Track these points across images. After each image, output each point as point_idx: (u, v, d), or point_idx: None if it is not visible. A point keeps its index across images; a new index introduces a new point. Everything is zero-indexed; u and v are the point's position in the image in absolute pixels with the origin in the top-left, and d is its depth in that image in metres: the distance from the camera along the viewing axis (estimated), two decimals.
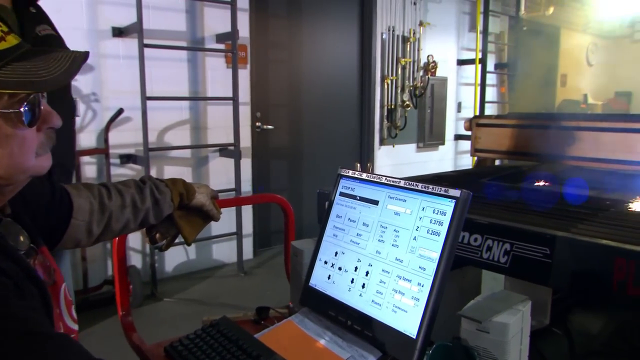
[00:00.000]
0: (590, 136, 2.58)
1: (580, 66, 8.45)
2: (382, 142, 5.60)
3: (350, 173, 1.44)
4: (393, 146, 5.68)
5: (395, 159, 5.77)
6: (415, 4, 5.68)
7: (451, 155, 6.53)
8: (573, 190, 2.34)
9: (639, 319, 1.64)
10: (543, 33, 7.36)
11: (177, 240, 1.45)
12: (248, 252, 4.68)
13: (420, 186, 1.21)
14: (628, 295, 1.44)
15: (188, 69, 4.20)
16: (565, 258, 1.58)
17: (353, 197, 1.39)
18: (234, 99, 4.07)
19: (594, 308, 1.84)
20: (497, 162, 3.38)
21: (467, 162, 6.49)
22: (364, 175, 1.39)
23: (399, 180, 1.29)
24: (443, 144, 6.24)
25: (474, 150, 3.14)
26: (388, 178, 1.32)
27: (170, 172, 4.16)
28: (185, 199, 1.37)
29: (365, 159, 5.57)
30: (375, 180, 1.35)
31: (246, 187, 4.56)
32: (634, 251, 1.44)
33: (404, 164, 5.86)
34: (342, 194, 1.44)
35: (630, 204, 1.93)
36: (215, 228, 4.39)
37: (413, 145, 5.98)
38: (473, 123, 3.15)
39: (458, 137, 6.49)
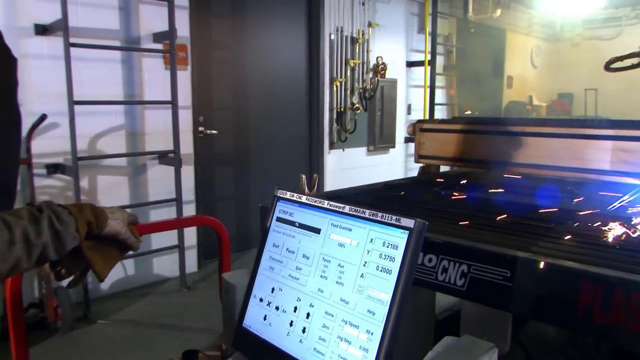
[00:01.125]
0: (536, 142, 2.49)
1: (525, 68, 8.60)
2: (331, 146, 5.44)
3: (288, 195, 1.25)
4: (343, 150, 5.53)
5: (345, 163, 5.63)
6: (363, 4, 5.56)
7: (402, 159, 6.46)
8: (528, 200, 2.24)
9: None
10: (490, 35, 7.42)
11: None
12: (192, 264, 4.42)
13: (367, 213, 1.04)
14: (594, 323, 1.32)
15: (122, 71, 3.89)
16: (527, 281, 1.45)
17: (292, 223, 1.21)
18: (173, 103, 3.80)
19: None
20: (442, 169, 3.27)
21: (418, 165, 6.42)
22: (304, 199, 1.21)
23: (343, 205, 1.11)
24: (394, 146, 6.16)
25: (418, 157, 3.00)
26: (331, 203, 1.13)
27: (104, 182, 3.85)
28: (94, 228, 1.14)
29: (315, 164, 5.40)
30: (316, 204, 1.16)
31: (188, 196, 4.30)
32: (600, 274, 1.32)
33: (354, 168, 5.73)
34: (279, 220, 1.25)
35: (592, 217, 1.83)
36: (155, 241, 4.11)
37: (363, 149, 5.86)
38: (416, 128, 3.00)
39: (408, 140, 6.42)
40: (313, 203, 1.18)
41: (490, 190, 2.57)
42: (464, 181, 2.75)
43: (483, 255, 1.55)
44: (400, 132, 6.29)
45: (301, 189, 2.30)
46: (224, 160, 4.73)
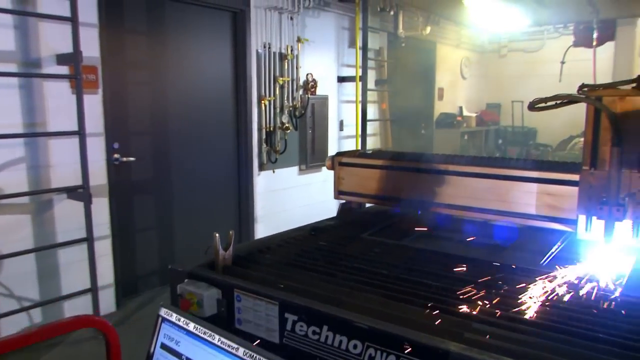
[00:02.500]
0: (461, 182, 2.37)
1: (455, 80, 8.72)
2: (261, 168, 5.21)
3: (175, 317, 1.02)
4: (273, 172, 5.31)
5: (276, 184, 5.42)
6: (292, 18, 5.36)
7: None
8: (463, 250, 2.11)
9: None
10: (421, 48, 7.44)
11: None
12: (109, 305, 4.05)
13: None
14: None
15: (21, 97, 3.49)
16: None
17: (178, 355, 0.98)
18: (80, 133, 3.44)
19: None
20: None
21: None
22: (192, 326, 0.98)
23: (236, 346, 0.89)
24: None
25: (338, 193, 2.81)
26: (223, 340, 0.92)
27: (2, 222, 3.43)
28: None
29: (244, 186, 5.14)
30: (206, 337, 0.94)
31: (102, 231, 3.93)
32: None
33: (286, 188, 5.53)
34: (163, 347, 1.02)
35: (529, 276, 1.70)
36: (65, 284, 3.74)
37: (295, 169, 5.66)
38: (335, 162, 2.79)
39: None
40: (202, 335, 0.95)
41: (418, 236, 2.44)
42: (392, 222, 2.62)
43: (412, 345, 1.39)
44: (333, 148, 6.15)
45: (215, 249, 2.07)
46: (143, 189, 4.39)
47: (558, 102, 1.98)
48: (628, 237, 1.81)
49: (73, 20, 3.36)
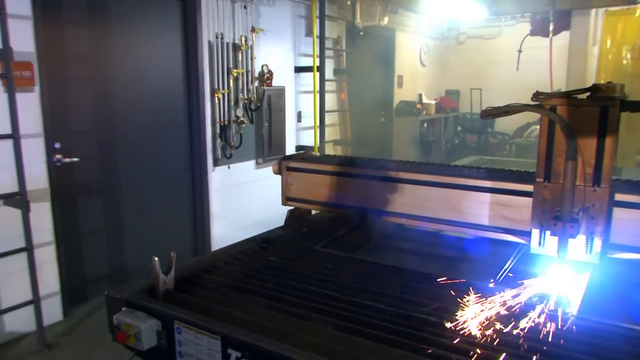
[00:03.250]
0: (412, 190, 2.29)
1: (415, 67, 8.68)
2: (216, 163, 5.03)
3: None
4: (228, 167, 5.14)
5: (232, 179, 5.26)
6: (245, 7, 5.15)
7: None
8: (414, 265, 2.03)
9: None
10: (380, 36, 7.33)
11: None
12: (55, 314, 3.85)
13: None
14: None
15: None
16: None
17: None
18: (14, 137, 3.20)
19: None
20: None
21: None
22: None
23: None
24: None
25: (286, 199, 2.70)
26: None
27: None
28: None
29: (198, 183, 4.97)
30: None
31: (45, 237, 3.72)
32: None
33: (243, 183, 5.38)
34: None
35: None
36: (5, 296, 3.52)
37: (251, 163, 5.51)
38: (282, 166, 2.67)
39: (300, 149, 6.18)
40: None
41: (372, 248, 2.36)
42: (345, 232, 2.52)
43: None
44: (291, 141, 6.03)
45: (155, 274, 1.93)
46: (89, 191, 4.16)
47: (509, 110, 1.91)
48: (582, 253, 1.77)
49: (1, 13, 3.10)
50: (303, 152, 2.82)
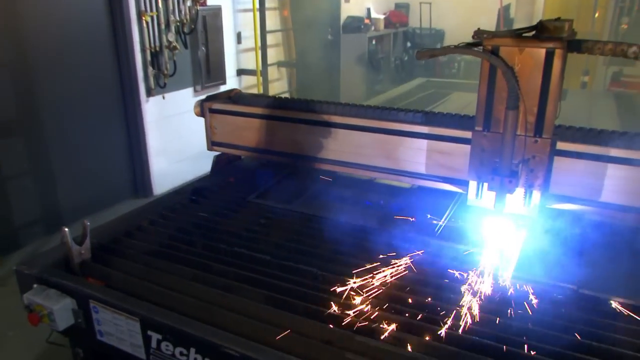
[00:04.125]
0: (346, 135, 2.13)
1: None
2: (149, 94, 4.67)
3: None
4: (163, 97, 4.80)
5: (170, 109, 4.93)
6: None
7: None
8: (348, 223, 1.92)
9: None
10: None
11: None
12: None
13: None
14: None
15: None
16: None
17: None
18: None
19: None
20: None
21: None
22: None
23: None
24: (224, 83, 5.52)
25: (211, 144, 2.48)
26: None
27: None
28: None
29: (132, 116, 4.64)
30: None
31: None
32: None
33: (181, 113, 5.05)
34: None
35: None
36: None
37: (189, 91, 5.17)
38: (205, 108, 2.41)
39: (241, 72, 5.84)
40: None
41: (308, 198, 2.24)
42: (276, 180, 2.37)
43: None
44: (231, 65, 5.66)
45: (67, 247, 1.75)
46: (6, 132, 3.79)
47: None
48: (520, 207, 1.71)
49: None
50: (229, 90, 2.55)
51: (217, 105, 2.39)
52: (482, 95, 1.70)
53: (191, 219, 2.04)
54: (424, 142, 1.97)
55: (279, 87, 6.66)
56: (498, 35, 1.66)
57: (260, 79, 5.78)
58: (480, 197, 1.75)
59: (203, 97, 4.96)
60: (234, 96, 2.49)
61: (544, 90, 1.60)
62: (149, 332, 1.45)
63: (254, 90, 5.74)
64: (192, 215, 2.08)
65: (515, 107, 1.60)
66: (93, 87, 4.34)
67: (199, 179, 2.46)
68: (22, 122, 3.88)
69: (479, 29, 1.72)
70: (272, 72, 6.12)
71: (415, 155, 1.99)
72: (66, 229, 1.71)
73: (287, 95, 6.69)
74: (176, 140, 5.05)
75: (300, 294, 1.51)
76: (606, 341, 1.30)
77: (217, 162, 2.53)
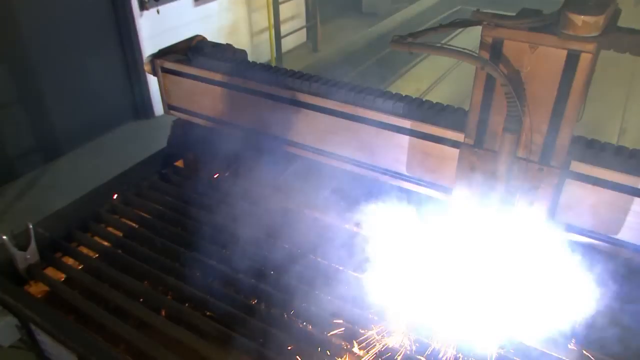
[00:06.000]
0: (315, 117, 1.78)
1: None
2: (142, 7, 4.28)
3: None
4: (158, 12, 4.40)
5: (165, 24, 4.54)
6: None
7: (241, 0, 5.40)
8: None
9: None
10: None
11: None
12: None
13: None
14: None
15: None
16: None
17: None
18: None
19: None
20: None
21: (262, 3, 5.43)
22: None
23: None
24: None
25: (168, 107, 2.15)
26: None
27: None
28: None
29: (126, 34, 4.31)
30: None
31: None
32: None
33: (180, 26, 4.66)
34: None
35: None
36: None
37: (188, 1, 4.73)
38: (156, 66, 2.05)
39: None
40: None
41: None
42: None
43: None
44: None
45: (12, 254, 1.61)
46: None
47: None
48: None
49: None
50: (191, 37, 2.12)
51: (169, 64, 2.03)
52: (476, 99, 1.38)
53: (155, 208, 1.87)
54: (404, 138, 1.64)
55: None
56: (504, 24, 1.30)
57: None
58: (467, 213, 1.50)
59: (205, 5, 4.51)
60: (193, 47, 2.11)
61: (559, 104, 1.28)
62: None
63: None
64: (158, 202, 1.91)
65: (516, 131, 1.30)
66: (79, 2, 3.98)
67: (169, 145, 2.19)
68: (3, 47, 3.62)
69: (478, 9, 1.36)
70: None
71: (394, 151, 1.67)
72: (5, 237, 1.57)
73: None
74: None
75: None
76: None
77: (176, 128, 2.18)
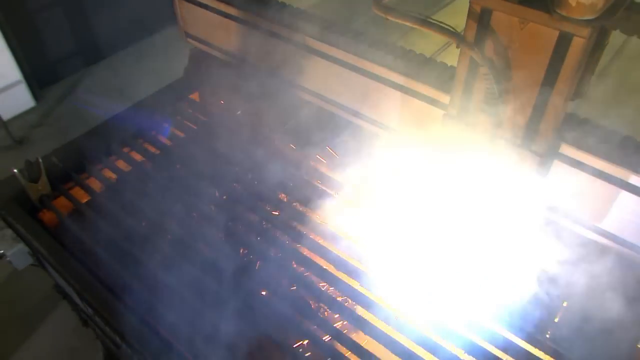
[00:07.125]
0: (328, 67, 1.71)
1: None
2: None
3: None
4: None
5: None
6: None
7: None
8: None
9: None
10: None
11: None
12: (26, 101, 3.79)
13: None
14: None
15: None
16: None
17: None
18: None
19: None
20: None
21: None
22: None
23: None
24: None
25: (185, 35, 2.14)
26: None
27: None
28: None
29: None
30: None
31: None
32: None
33: None
34: None
35: None
36: None
37: None
38: None
39: None
40: None
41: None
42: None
43: None
44: None
45: (24, 185, 1.73)
46: None
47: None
48: None
49: None
50: None
51: None
52: (460, 72, 1.29)
53: (164, 175, 1.87)
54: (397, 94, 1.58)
55: None
56: None
57: None
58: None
59: None
60: None
61: (545, 86, 1.19)
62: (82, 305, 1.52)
63: None
64: (165, 169, 1.89)
65: (493, 113, 1.23)
66: None
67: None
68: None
69: None
70: None
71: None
72: (15, 170, 1.69)
73: None
74: None
75: None
76: None
77: (194, 60, 2.18)
